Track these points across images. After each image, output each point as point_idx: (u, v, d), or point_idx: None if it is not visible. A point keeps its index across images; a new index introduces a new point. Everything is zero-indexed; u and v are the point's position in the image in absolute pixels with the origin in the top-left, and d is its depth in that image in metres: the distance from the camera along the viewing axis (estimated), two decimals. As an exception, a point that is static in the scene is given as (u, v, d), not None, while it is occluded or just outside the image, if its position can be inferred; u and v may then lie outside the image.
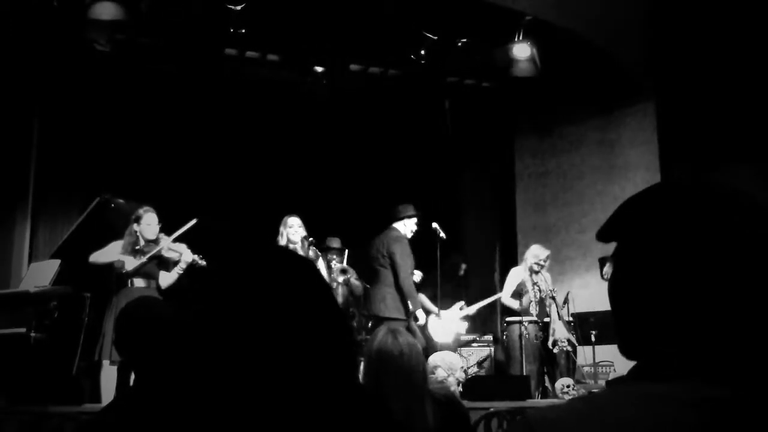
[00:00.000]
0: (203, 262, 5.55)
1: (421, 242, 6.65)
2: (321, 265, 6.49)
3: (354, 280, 7.16)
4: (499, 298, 7.27)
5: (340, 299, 6.98)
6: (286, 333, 0.94)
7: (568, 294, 7.10)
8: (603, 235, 0.90)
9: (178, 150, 7.87)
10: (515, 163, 8.99)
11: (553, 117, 8.76)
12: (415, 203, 6.83)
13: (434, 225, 6.64)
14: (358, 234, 7.21)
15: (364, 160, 8.69)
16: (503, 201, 9.12)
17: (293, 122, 8.32)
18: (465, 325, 7.45)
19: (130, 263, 5.51)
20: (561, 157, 8.68)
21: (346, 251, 7.23)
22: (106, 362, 5.32)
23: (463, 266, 7.84)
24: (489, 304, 7.62)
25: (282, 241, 6.25)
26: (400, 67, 7.99)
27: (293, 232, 6.24)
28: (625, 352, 0.87)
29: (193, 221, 5.64)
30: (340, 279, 6.95)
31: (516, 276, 6.95)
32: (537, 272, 6.80)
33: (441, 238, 6.60)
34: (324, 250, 6.98)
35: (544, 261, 6.81)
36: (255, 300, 0.95)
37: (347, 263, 7.15)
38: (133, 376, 4.24)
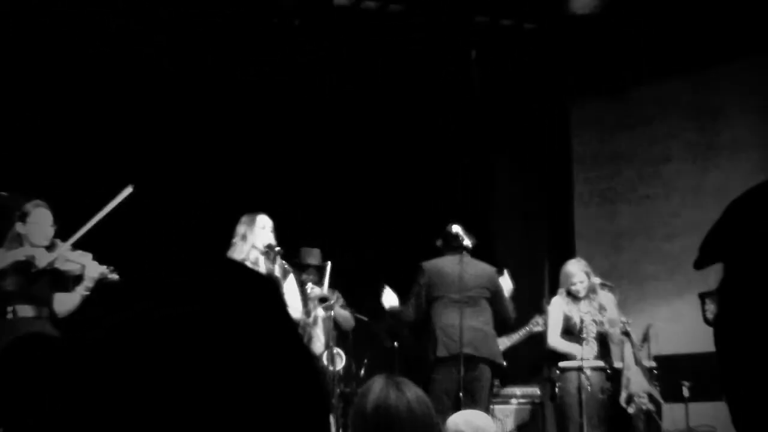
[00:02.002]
0: (115, 276, 5.46)
1: (437, 252, 6.75)
2: (291, 284, 6.46)
3: (340, 309, 7.18)
4: (537, 331, 7.35)
5: (321, 337, 7.07)
6: (232, 386, 0.93)
7: (648, 328, 7.05)
8: (702, 259, 0.91)
9: (77, 129, 7.95)
10: (571, 140, 9.07)
11: (624, 74, 8.71)
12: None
13: (455, 229, 6.71)
14: (345, 241, 7.17)
15: (357, 139, 8.77)
16: (554, 196, 9.23)
17: (240, 72, 8.46)
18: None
19: (42, 257, 5.44)
20: (637, 131, 8.70)
21: (328, 266, 7.13)
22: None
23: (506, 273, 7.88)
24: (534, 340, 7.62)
25: (241, 249, 6.19)
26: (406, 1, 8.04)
27: (264, 236, 6.21)
28: (742, 428, 0.85)
29: (99, 215, 5.60)
30: (320, 311, 6.99)
31: (557, 308, 6.97)
32: (582, 298, 6.82)
33: (465, 246, 6.61)
34: (296, 266, 6.94)
35: (585, 280, 6.82)
36: (193, 340, 0.94)
37: (329, 284, 7.07)
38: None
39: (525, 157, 9.32)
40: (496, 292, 6.71)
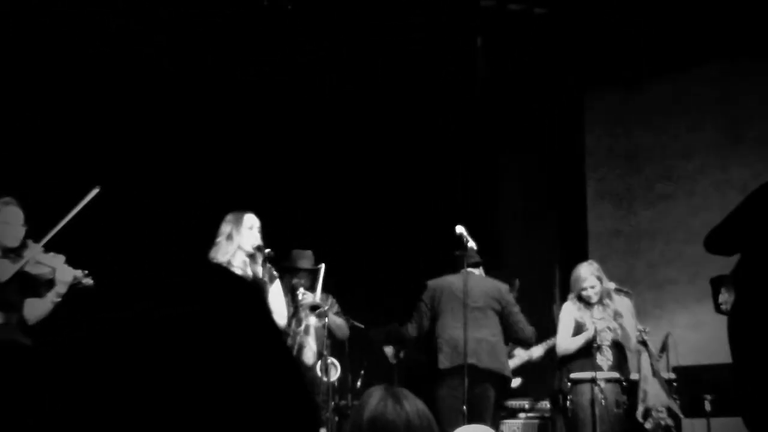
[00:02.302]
0: (90, 281, 5.39)
1: (440, 256, 7.02)
2: (277, 290, 6.38)
3: (335, 316, 7.06)
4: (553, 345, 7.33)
5: (313, 346, 7.03)
6: (211, 397, 0.97)
7: (667, 337, 7.16)
8: (713, 242, 1.06)
9: (68, 127, 8.04)
10: (585, 135, 9.17)
11: (641, 64, 8.77)
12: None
13: (459, 229, 6.74)
14: (341, 242, 7.15)
15: (356, 136, 8.95)
16: (565, 195, 9.33)
17: (240, 72, 8.62)
18: (517, 380, 7.59)
19: (12, 260, 5.42)
20: (654, 125, 8.79)
21: (322, 270, 7.01)
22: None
23: (517, 283, 7.78)
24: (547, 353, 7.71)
25: (226, 250, 6.13)
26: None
27: (251, 236, 6.15)
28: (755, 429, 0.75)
29: (75, 211, 5.51)
30: (312, 320, 6.93)
31: (568, 315, 6.98)
32: (595, 304, 6.83)
33: (470, 249, 6.71)
34: (287, 270, 6.93)
35: (597, 284, 6.81)
36: (175, 348, 0.98)
37: (323, 289, 7.00)
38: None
39: (533, 153, 9.37)
40: (506, 307, 6.78)
